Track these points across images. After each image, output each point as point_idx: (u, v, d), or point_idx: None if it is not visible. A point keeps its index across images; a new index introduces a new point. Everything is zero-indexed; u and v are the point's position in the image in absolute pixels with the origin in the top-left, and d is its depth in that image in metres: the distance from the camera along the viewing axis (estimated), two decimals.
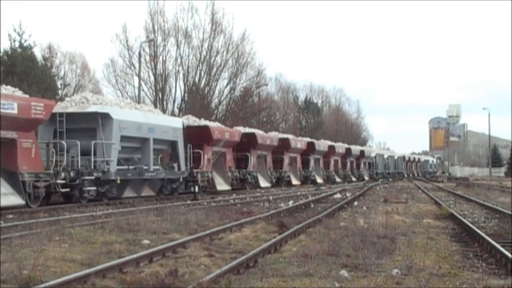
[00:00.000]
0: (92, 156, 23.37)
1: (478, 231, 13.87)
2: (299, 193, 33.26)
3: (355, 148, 67.17)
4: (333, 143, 59.83)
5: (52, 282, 7.85)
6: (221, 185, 33.81)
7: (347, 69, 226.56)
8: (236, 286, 8.37)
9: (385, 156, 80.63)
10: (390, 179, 68.52)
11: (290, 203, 24.93)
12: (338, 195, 31.50)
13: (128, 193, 26.53)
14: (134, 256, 10.09)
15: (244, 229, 14.93)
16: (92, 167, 23.40)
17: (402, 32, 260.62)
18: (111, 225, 15.13)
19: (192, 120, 34.26)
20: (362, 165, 68.54)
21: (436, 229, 15.94)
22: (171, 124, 29.30)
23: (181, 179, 29.07)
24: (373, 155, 73.96)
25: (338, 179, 57.29)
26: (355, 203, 25.43)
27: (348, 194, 32.07)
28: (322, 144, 55.46)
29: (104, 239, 12.85)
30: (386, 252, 11.40)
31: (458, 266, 10.46)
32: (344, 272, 9.36)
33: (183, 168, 29.19)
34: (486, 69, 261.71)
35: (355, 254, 10.96)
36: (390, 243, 12.48)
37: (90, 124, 23.94)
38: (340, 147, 61.03)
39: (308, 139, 53.19)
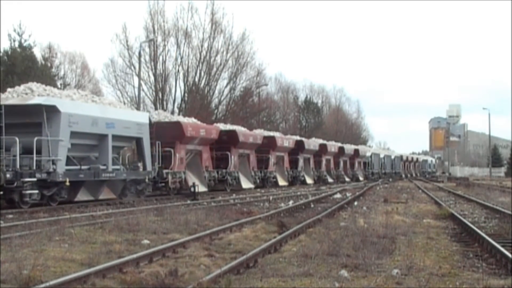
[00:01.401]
0: (35, 155, 20.67)
1: (478, 231, 13.87)
2: (299, 193, 33.27)
3: (349, 147, 64.49)
4: (324, 142, 57.56)
5: (52, 282, 7.84)
6: (196, 187, 29.89)
7: (347, 69, 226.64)
8: (236, 286, 8.36)
9: (381, 156, 78.18)
10: (390, 179, 68.47)
11: (290, 203, 24.94)
12: (338, 195, 31.51)
13: (82, 196, 23.81)
14: (134, 256, 10.09)
15: (244, 229, 14.93)
16: (35, 167, 20.74)
17: (402, 32, 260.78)
18: (111, 225, 15.14)
19: (163, 116, 32.14)
20: (356, 164, 65.91)
21: (436, 229, 15.94)
22: (135, 119, 26.41)
23: (147, 180, 26.60)
24: (368, 154, 71.47)
25: (330, 180, 54.98)
26: (355, 203, 25.44)
27: (348, 194, 32.09)
28: (312, 143, 52.97)
29: (104, 239, 12.85)
30: (386, 252, 11.40)
31: (458, 266, 10.46)
32: (344, 272, 9.35)
33: (149, 168, 26.67)
34: (486, 69, 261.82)
35: (355, 254, 10.96)
36: (390, 243, 12.48)
37: (34, 118, 21.26)
38: (333, 145, 58.48)
39: (297, 137, 50.61)
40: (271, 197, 28.63)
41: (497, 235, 14.32)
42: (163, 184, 28.47)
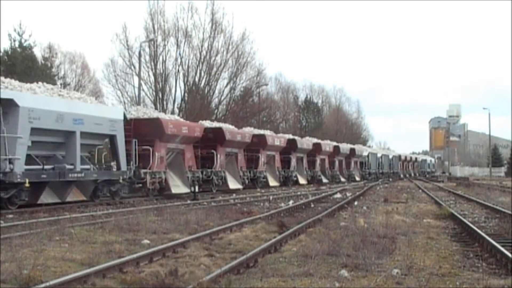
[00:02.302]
0: None
1: (479, 231, 13.87)
2: (299, 193, 33.28)
3: (345, 146, 62.74)
4: (319, 141, 55.84)
5: (52, 282, 7.84)
6: (178, 187, 29.29)
7: (347, 69, 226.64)
8: (236, 286, 8.36)
9: (379, 155, 76.41)
10: (390, 179, 68.42)
11: (290, 203, 24.94)
12: (338, 195, 31.52)
13: (46, 198, 21.83)
14: (134, 256, 10.09)
15: (244, 229, 14.93)
16: None
17: (402, 32, 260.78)
18: (111, 225, 15.13)
19: (142, 112, 29.91)
20: (352, 164, 63.92)
21: (436, 229, 15.94)
22: (108, 115, 24.41)
23: (121, 181, 24.66)
24: (365, 154, 69.56)
25: (325, 180, 53.39)
26: (355, 203, 25.44)
27: (348, 194, 32.10)
28: (306, 142, 51.38)
29: (104, 239, 12.85)
30: (386, 252, 11.39)
31: (458, 266, 10.46)
32: (344, 272, 9.35)
33: (123, 167, 24.63)
34: (486, 69, 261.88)
35: (355, 254, 10.96)
36: (390, 243, 12.48)
37: None
38: (327, 145, 56.72)
39: (289, 136, 48.96)
40: (271, 197, 28.64)
41: (497, 235, 14.33)
42: (140, 184, 26.73)
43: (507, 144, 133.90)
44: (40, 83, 23.27)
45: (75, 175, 22.08)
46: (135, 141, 26.09)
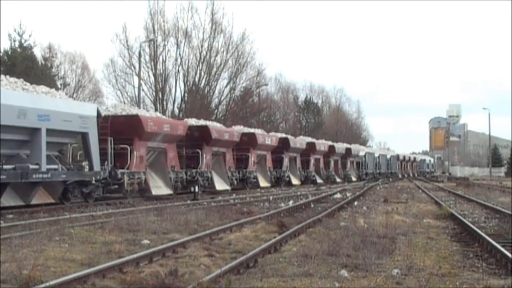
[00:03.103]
0: None
1: (478, 231, 13.88)
2: (299, 193, 33.28)
3: (340, 146, 61.30)
4: (313, 140, 54.37)
5: (52, 282, 7.84)
6: (160, 189, 27.82)
7: (347, 69, 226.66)
8: (236, 286, 8.36)
9: (376, 155, 75.02)
10: (390, 179, 68.38)
11: (290, 203, 24.94)
12: (338, 195, 31.52)
13: (8, 200, 20.24)
14: (134, 256, 10.09)
15: (244, 229, 14.93)
16: None
17: (402, 32, 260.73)
18: (111, 225, 15.13)
19: (120, 109, 28.05)
20: (348, 164, 62.41)
21: (436, 229, 15.94)
22: (78, 111, 22.38)
23: (93, 182, 22.86)
24: (362, 153, 68.21)
25: (319, 180, 51.98)
26: (355, 203, 25.45)
27: (348, 194, 32.11)
28: (299, 141, 49.90)
29: (104, 239, 12.85)
30: (386, 252, 11.40)
31: (458, 266, 10.46)
32: (344, 272, 9.35)
33: (97, 167, 22.86)
34: (486, 69, 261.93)
35: (355, 254, 10.96)
36: (390, 243, 12.48)
37: None
38: (322, 144, 55.17)
39: (282, 135, 47.52)
40: (271, 197, 28.64)
41: (497, 235, 14.33)
42: (116, 186, 24.94)
43: (507, 144, 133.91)
44: (3, 76, 21.78)
45: (40, 175, 20.00)
46: (111, 140, 24.55)
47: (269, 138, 42.04)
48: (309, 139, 54.12)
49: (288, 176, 45.58)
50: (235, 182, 36.01)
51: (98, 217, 17.52)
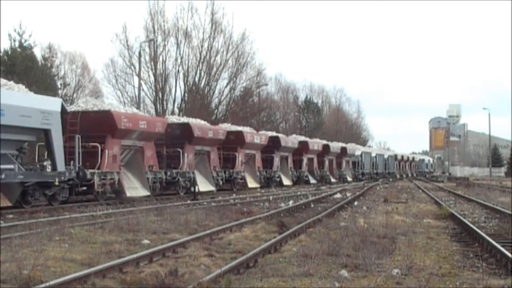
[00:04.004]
0: None
1: (479, 231, 13.88)
2: (299, 193, 33.29)
3: (335, 145, 59.13)
4: (306, 139, 52.39)
5: (52, 282, 7.84)
6: (136, 190, 26.14)
7: (347, 69, 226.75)
8: (236, 286, 8.36)
9: (373, 155, 73.43)
10: (391, 179, 68.34)
11: (290, 203, 24.94)
12: (338, 195, 31.53)
13: None
14: (134, 256, 10.09)
15: (244, 229, 14.92)
16: None
17: (402, 32, 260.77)
18: (111, 225, 15.13)
19: (91, 104, 26.06)
20: (344, 164, 60.58)
21: (436, 229, 15.94)
22: (39, 105, 20.50)
23: (56, 183, 21.07)
24: (358, 153, 66.09)
25: (312, 181, 50.30)
26: (355, 203, 25.45)
27: (348, 194, 32.11)
28: (291, 140, 47.75)
29: (104, 239, 12.85)
30: (386, 252, 11.40)
31: (458, 266, 10.46)
32: (344, 272, 9.35)
33: (61, 167, 21.21)
34: (486, 69, 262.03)
35: (355, 254, 10.96)
36: (390, 243, 12.48)
37: None
38: (316, 143, 53.15)
39: (272, 133, 45.71)
40: (271, 197, 28.64)
41: (497, 235, 14.33)
42: (85, 187, 23.42)
43: (507, 144, 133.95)
44: None
45: None
46: (78, 137, 22.71)
47: (258, 137, 40.31)
48: (302, 138, 52.28)
49: (279, 177, 43.87)
50: (221, 183, 34.24)
51: (98, 217, 17.53)
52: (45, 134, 21.09)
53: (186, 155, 30.44)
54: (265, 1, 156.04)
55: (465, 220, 16.80)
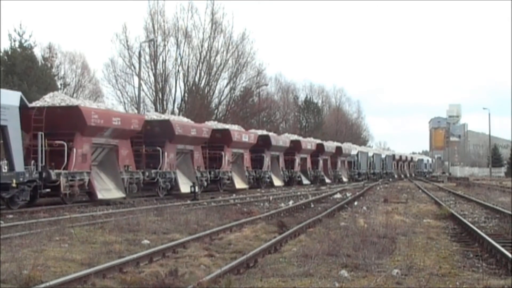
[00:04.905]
0: None
1: (478, 231, 13.88)
2: (299, 193, 33.29)
3: (330, 145, 57.20)
4: (298, 138, 50.57)
5: (52, 282, 7.84)
6: (109, 192, 24.32)
7: (347, 69, 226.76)
8: (236, 286, 8.36)
9: (370, 154, 71.73)
10: (390, 179, 68.32)
11: (290, 203, 24.94)
12: (338, 195, 31.54)
13: None
14: (134, 256, 10.09)
15: (244, 229, 14.93)
16: None
17: (402, 32, 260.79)
18: (111, 225, 15.14)
19: (59, 99, 24.01)
20: (339, 164, 58.74)
21: (436, 229, 15.94)
22: None
23: (14, 184, 19.42)
24: (353, 152, 64.40)
25: (305, 181, 48.61)
26: (355, 203, 25.45)
27: (348, 194, 32.11)
28: (282, 139, 45.74)
29: (104, 239, 12.85)
30: (386, 252, 11.40)
31: (458, 266, 10.46)
32: (344, 272, 9.35)
33: (19, 167, 19.67)
34: (486, 69, 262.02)
35: (355, 254, 10.96)
36: (390, 243, 12.48)
37: None
38: (309, 142, 51.35)
39: (262, 132, 43.71)
40: (271, 197, 28.64)
41: (497, 235, 14.33)
42: (49, 189, 21.46)
43: (507, 144, 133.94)
44: None
45: None
46: (42, 134, 21.31)
47: (247, 135, 38.42)
48: (295, 137, 50.58)
49: (270, 177, 42.04)
50: (205, 184, 32.23)
51: (98, 217, 17.52)
52: (1, 130, 19.53)
53: (166, 154, 28.67)
54: (265, 1, 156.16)
55: (465, 220, 16.80)
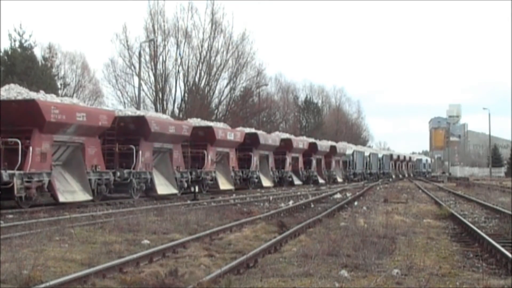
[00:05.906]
0: None
1: (479, 231, 13.88)
2: (299, 193, 33.29)
3: (323, 144, 55.28)
4: (289, 136, 48.49)
5: (52, 282, 7.84)
6: (73, 194, 22.46)
7: (347, 69, 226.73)
8: (236, 286, 8.36)
9: (366, 154, 70.08)
10: (390, 179, 68.31)
11: (290, 203, 24.94)
12: (338, 195, 31.54)
13: None
14: (134, 256, 10.08)
15: (244, 229, 14.92)
16: None
17: (402, 32, 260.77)
18: (111, 225, 15.13)
19: (15, 92, 21.71)
20: (334, 164, 56.83)
21: (436, 229, 15.94)
22: None
23: None
24: (349, 152, 62.49)
25: (297, 181, 47.04)
26: (355, 203, 25.45)
27: (348, 194, 32.11)
28: (272, 137, 43.47)
29: (104, 239, 12.85)
30: (386, 252, 11.40)
31: (458, 266, 10.46)
32: (344, 272, 9.35)
33: None
34: (486, 69, 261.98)
35: (355, 254, 10.96)
36: (390, 243, 12.48)
37: None
38: (301, 141, 49.39)
39: (249, 130, 41.65)
40: (271, 197, 28.64)
41: (497, 235, 14.33)
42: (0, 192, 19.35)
43: (507, 144, 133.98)
44: None
45: None
46: None
47: (232, 133, 36.35)
48: (286, 135, 48.55)
49: (258, 177, 39.83)
50: (186, 185, 30.01)
51: (98, 217, 17.52)
52: None
53: (141, 153, 26.56)
54: (265, 1, 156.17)
55: (465, 220, 16.80)
